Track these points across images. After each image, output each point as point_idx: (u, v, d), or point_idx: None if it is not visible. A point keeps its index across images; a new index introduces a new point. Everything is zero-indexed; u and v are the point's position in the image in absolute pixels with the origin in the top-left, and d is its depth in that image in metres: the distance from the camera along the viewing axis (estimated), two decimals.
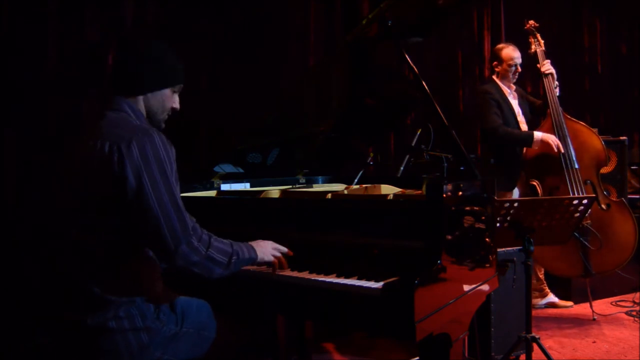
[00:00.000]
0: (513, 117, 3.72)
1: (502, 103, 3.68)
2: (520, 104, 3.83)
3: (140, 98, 1.67)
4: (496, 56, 3.81)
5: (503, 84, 3.78)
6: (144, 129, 1.55)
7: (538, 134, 3.58)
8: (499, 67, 3.78)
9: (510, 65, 3.72)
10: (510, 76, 3.76)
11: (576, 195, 3.46)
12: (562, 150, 3.56)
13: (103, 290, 1.50)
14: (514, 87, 3.83)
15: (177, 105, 1.76)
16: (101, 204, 1.51)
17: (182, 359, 1.62)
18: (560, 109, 3.66)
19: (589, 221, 3.45)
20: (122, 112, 1.63)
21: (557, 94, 3.75)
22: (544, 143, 3.55)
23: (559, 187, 3.58)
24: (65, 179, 1.60)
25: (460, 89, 4.93)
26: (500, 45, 3.84)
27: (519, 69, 3.76)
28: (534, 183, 3.65)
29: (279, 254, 1.79)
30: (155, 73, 1.67)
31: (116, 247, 1.53)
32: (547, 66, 3.76)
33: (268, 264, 1.79)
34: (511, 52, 3.73)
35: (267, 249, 1.77)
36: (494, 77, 3.83)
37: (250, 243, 1.74)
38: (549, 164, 3.61)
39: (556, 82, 3.78)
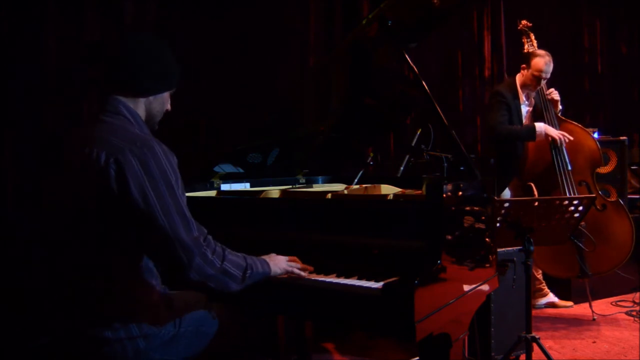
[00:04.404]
0: (519, 124, 3.66)
1: (512, 107, 3.63)
2: (530, 113, 3.78)
3: (142, 100, 1.61)
4: (527, 60, 3.67)
5: (522, 89, 3.70)
6: (143, 139, 1.49)
7: (540, 125, 3.52)
8: (525, 71, 3.66)
9: (535, 76, 3.61)
10: (533, 85, 3.65)
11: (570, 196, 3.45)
12: (571, 139, 3.51)
13: (99, 305, 1.48)
14: (532, 94, 3.74)
15: (169, 107, 1.72)
16: (95, 217, 1.46)
17: (182, 358, 1.62)
18: (552, 110, 3.65)
19: (583, 223, 3.43)
20: (120, 115, 1.55)
21: (560, 111, 3.73)
22: (548, 135, 3.50)
23: (553, 189, 3.56)
24: (60, 188, 1.55)
25: (460, 89, 4.93)
26: (537, 51, 3.67)
27: (543, 84, 3.65)
28: (531, 184, 3.64)
29: (291, 269, 1.73)
30: (161, 76, 1.63)
31: (112, 262, 1.49)
32: (553, 94, 3.70)
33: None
34: (542, 64, 3.58)
35: (280, 264, 1.71)
36: (517, 77, 3.73)
37: (263, 257, 1.70)
38: (543, 167, 3.60)
39: (560, 107, 3.74)
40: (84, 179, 1.46)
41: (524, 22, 3.87)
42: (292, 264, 1.75)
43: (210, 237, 1.54)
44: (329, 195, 2.02)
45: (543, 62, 3.60)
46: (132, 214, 1.43)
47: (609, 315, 3.69)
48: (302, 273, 1.75)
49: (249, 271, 1.58)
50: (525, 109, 3.76)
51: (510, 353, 2.60)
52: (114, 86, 1.59)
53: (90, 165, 1.44)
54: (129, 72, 1.58)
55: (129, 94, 1.59)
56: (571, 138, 3.53)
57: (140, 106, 1.61)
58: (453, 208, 1.71)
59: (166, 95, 1.68)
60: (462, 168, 1.98)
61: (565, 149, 3.56)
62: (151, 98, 1.63)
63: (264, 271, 1.65)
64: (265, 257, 1.70)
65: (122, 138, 1.47)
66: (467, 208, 1.82)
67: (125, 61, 1.58)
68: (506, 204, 2.33)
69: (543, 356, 2.49)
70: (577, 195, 3.41)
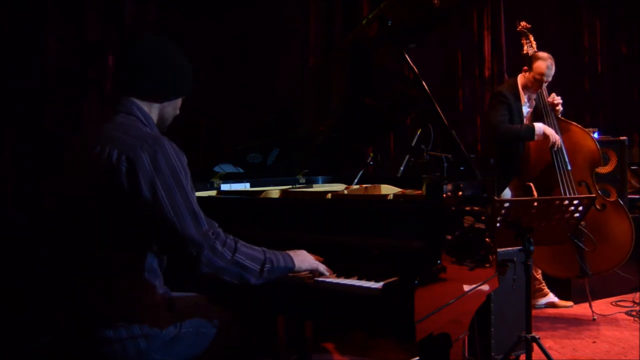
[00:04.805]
0: (520, 124, 3.67)
1: (514, 108, 3.64)
2: (531, 114, 3.79)
3: (157, 105, 1.62)
4: (529, 62, 3.67)
5: (523, 90, 3.71)
6: (154, 137, 1.49)
7: (539, 125, 3.54)
8: (528, 73, 3.67)
9: (536, 79, 3.62)
10: (534, 88, 3.66)
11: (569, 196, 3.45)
12: (559, 145, 3.54)
13: (100, 305, 1.48)
14: (533, 96, 3.75)
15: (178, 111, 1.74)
16: (100, 216, 1.46)
17: (183, 359, 1.62)
18: (552, 113, 3.66)
19: (583, 223, 3.43)
20: (132, 116, 1.56)
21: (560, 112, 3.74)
22: (547, 136, 3.51)
23: (553, 189, 3.57)
24: (65, 188, 1.55)
25: (460, 89, 4.94)
26: (539, 54, 3.66)
27: (544, 87, 3.66)
28: (530, 184, 3.65)
29: (316, 266, 1.70)
30: (181, 84, 1.64)
31: (114, 262, 1.49)
32: (556, 99, 3.69)
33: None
34: (543, 68, 3.59)
35: (306, 259, 1.70)
36: (519, 78, 3.73)
37: (288, 252, 1.68)
38: (543, 167, 3.60)
39: (560, 109, 3.73)
40: (91, 177, 1.46)
41: (522, 23, 3.87)
42: (316, 261, 1.72)
43: (220, 230, 1.54)
44: (329, 195, 2.02)
45: (545, 65, 3.60)
46: (141, 210, 1.44)
47: (609, 315, 3.69)
48: (326, 272, 1.71)
49: (267, 265, 1.56)
50: (526, 110, 3.76)
51: (510, 353, 2.60)
52: (132, 89, 1.58)
53: (99, 164, 1.45)
54: (153, 80, 1.58)
55: (146, 99, 1.60)
56: (559, 145, 3.54)
57: (154, 110, 1.63)
58: (453, 208, 1.71)
59: (180, 100, 1.70)
60: (462, 168, 1.98)
61: (565, 149, 3.57)
62: (166, 103, 1.64)
63: (286, 266, 1.63)
64: (291, 253, 1.68)
65: (134, 136, 1.48)
66: (467, 208, 1.82)
67: (150, 69, 1.57)
68: (506, 204, 2.34)
69: (543, 356, 2.49)
70: (577, 195, 3.42)
